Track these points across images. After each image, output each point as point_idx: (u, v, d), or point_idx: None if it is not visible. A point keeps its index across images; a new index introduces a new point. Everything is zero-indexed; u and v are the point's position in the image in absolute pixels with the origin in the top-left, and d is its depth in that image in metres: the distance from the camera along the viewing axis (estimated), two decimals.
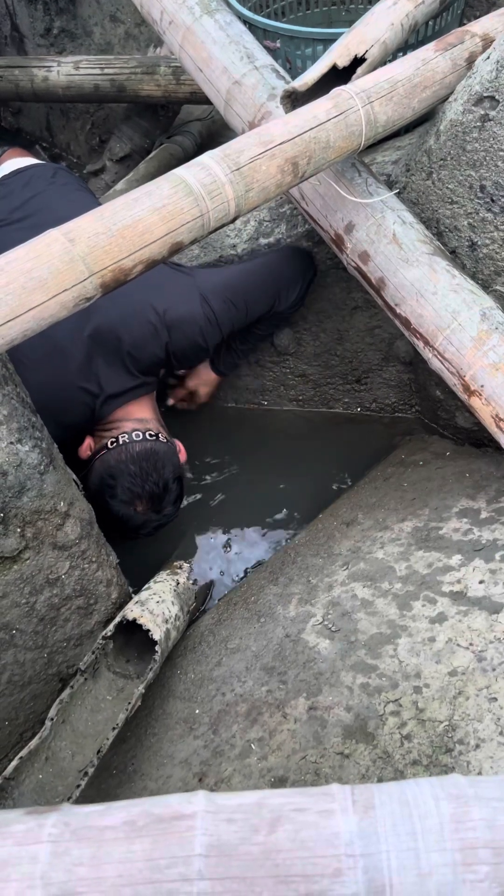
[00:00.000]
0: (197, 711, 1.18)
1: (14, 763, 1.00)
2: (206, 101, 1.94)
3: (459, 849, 0.58)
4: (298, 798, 0.63)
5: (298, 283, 1.58)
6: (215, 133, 2.37)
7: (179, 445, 1.53)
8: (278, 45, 1.62)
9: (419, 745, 0.97)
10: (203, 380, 1.74)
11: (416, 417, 1.78)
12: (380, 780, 0.96)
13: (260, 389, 1.84)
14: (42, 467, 1.11)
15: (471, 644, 1.06)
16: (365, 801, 0.62)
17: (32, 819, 0.63)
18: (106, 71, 2.14)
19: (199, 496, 1.70)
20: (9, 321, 0.91)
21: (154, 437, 1.45)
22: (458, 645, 1.07)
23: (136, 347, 1.44)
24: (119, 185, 2.15)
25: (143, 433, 1.45)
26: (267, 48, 1.57)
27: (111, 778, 1.15)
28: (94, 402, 1.44)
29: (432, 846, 0.58)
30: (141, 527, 1.45)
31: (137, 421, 1.48)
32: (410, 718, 1.01)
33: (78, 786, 1.00)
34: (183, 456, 1.52)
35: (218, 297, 1.50)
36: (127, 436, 1.44)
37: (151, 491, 1.42)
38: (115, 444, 1.44)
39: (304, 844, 0.59)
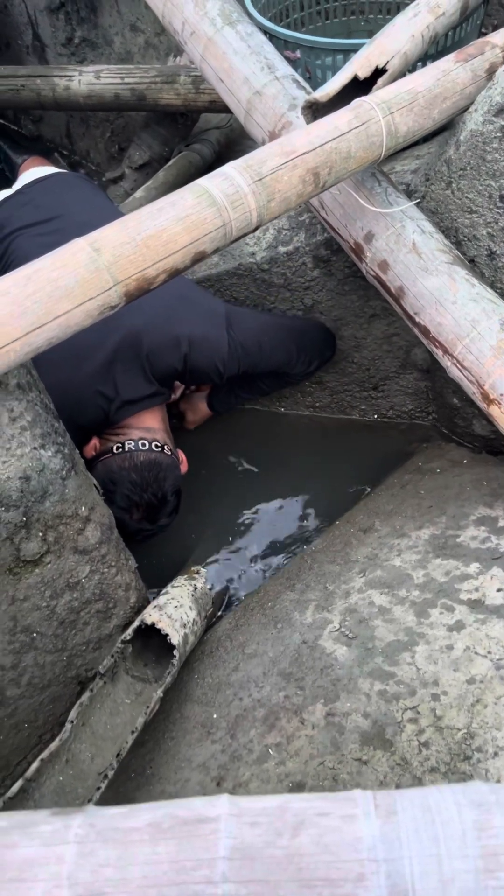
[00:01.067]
0: (215, 716, 1.19)
1: (35, 765, 1.01)
2: (225, 109, 1.96)
3: (482, 855, 0.59)
4: (321, 802, 0.63)
5: (315, 357, 1.65)
6: (233, 141, 2.39)
7: (182, 457, 1.54)
8: (298, 55, 1.64)
9: (437, 753, 0.97)
10: (195, 409, 1.78)
11: (432, 425, 1.78)
12: (398, 787, 0.96)
13: (277, 395, 1.85)
14: (64, 472, 1.12)
15: (489, 652, 1.07)
16: (387, 806, 0.63)
17: (59, 820, 0.64)
18: (126, 80, 2.16)
19: (215, 501, 1.71)
20: (35, 329, 0.92)
21: (159, 449, 1.47)
22: (476, 653, 1.08)
23: (155, 353, 1.45)
24: (138, 193, 2.17)
25: (150, 443, 1.46)
26: (287, 58, 1.59)
27: (129, 781, 1.16)
28: (109, 407, 1.45)
29: (455, 852, 0.59)
30: (133, 534, 1.46)
31: (145, 430, 1.49)
32: (428, 726, 1.01)
33: (98, 788, 1.01)
34: (184, 467, 1.54)
35: (245, 333, 1.53)
36: (133, 443, 1.45)
37: (149, 501, 1.43)
38: (120, 449, 1.45)
39: (327, 849, 0.59)
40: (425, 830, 0.60)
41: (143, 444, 1.45)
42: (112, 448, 1.46)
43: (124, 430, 1.49)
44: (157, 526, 1.48)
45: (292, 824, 0.61)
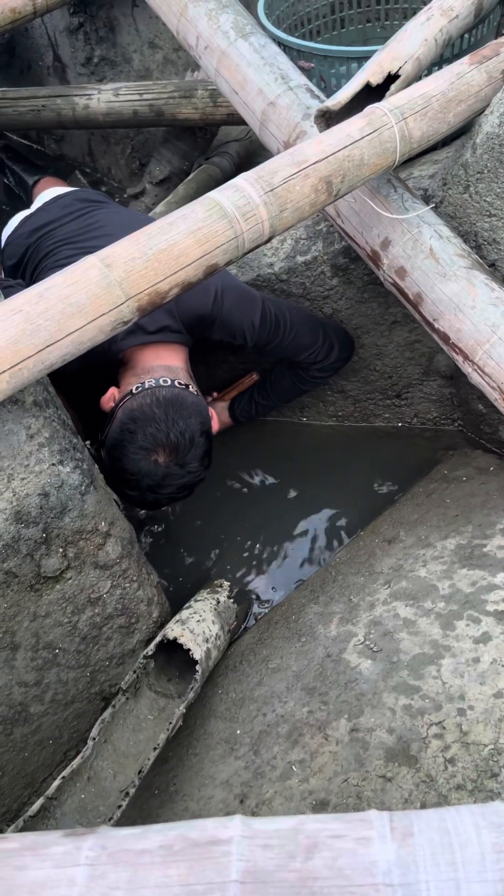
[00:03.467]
0: (238, 732, 1.17)
1: (56, 782, 1.01)
2: (244, 122, 1.97)
3: (501, 879, 0.56)
4: (336, 824, 0.62)
5: (336, 345, 1.61)
6: (253, 153, 2.39)
7: (212, 412, 1.43)
8: (313, 65, 1.63)
9: (463, 770, 0.95)
10: (216, 417, 1.72)
11: (458, 431, 1.75)
12: (423, 805, 0.94)
13: (299, 405, 1.84)
14: (83, 488, 1.13)
15: None
16: (404, 828, 0.61)
17: (70, 841, 0.63)
18: (144, 96, 2.18)
19: (238, 512, 1.70)
20: (48, 346, 0.93)
21: (183, 386, 1.35)
22: None
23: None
24: (159, 208, 2.19)
25: (172, 381, 1.35)
26: (301, 68, 1.58)
27: (153, 798, 1.15)
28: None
29: (473, 877, 0.57)
30: (161, 483, 1.32)
31: (166, 368, 1.38)
32: (454, 741, 0.99)
33: (119, 806, 1.00)
34: (215, 424, 1.43)
35: (278, 305, 1.51)
36: (154, 381, 1.34)
37: (176, 440, 1.29)
38: (140, 389, 1.34)
39: (341, 872, 0.58)
40: (443, 854, 0.58)
41: (165, 381, 1.34)
42: (131, 390, 1.34)
43: (145, 369, 1.38)
44: (186, 471, 1.32)
45: (305, 847, 0.60)
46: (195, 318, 1.43)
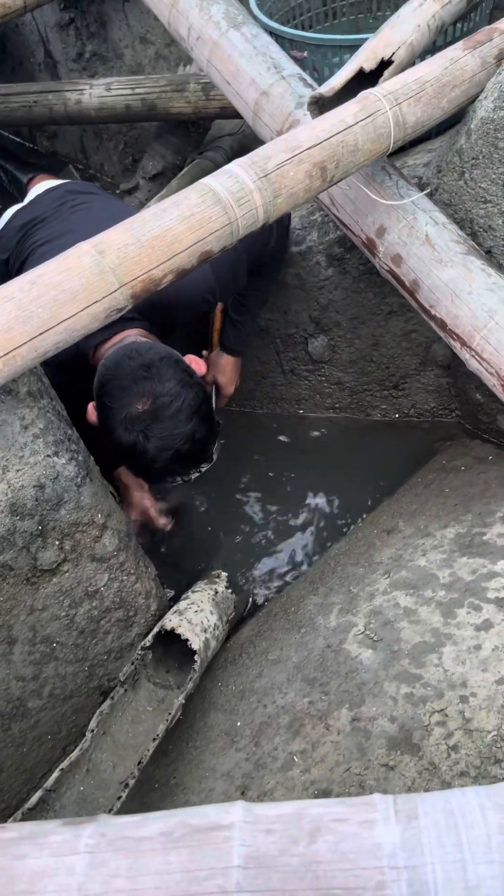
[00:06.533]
0: (238, 724, 1.16)
1: (55, 775, 0.99)
2: (237, 115, 1.95)
3: None
4: (339, 808, 0.61)
5: (272, 225, 1.38)
6: (246, 147, 2.38)
7: (202, 363, 1.35)
8: (305, 54, 1.62)
9: (467, 756, 0.94)
10: (221, 368, 1.66)
11: (456, 422, 1.74)
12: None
13: (296, 398, 1.83)
14: (79, 479, 1.11)
15: None
16: (408, 811, 0.60)
17: (69, 830, 0.62)
18: (136, 91, 2.17)
19: (236, 505, 1.69)
20: (41, 333, 0.92)
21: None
22: None
23: None
24: (151, 203, 2.18)
25: (146, 338, 1.31)
26: (294, 58, 1.57)
27: (153, 791, 1.14)
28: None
29: (479, 858, 0.56)
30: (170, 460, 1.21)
31: (140, 335, 1.33)
32: (457, 729, 0.98)
33: (119, 798, 0.99)
34: (201, 368, 1.34)
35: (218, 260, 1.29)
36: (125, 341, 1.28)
37: (158, 391, 1.20)
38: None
39: (345, 856, 0.57)
40: (448, 835, 0.57)
41: (141, 340, 1.28)
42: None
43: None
44: (192, 434, 1.22)
45: (308, 831, 0.59)
46: (147, 305, 1.30)
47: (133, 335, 1.33)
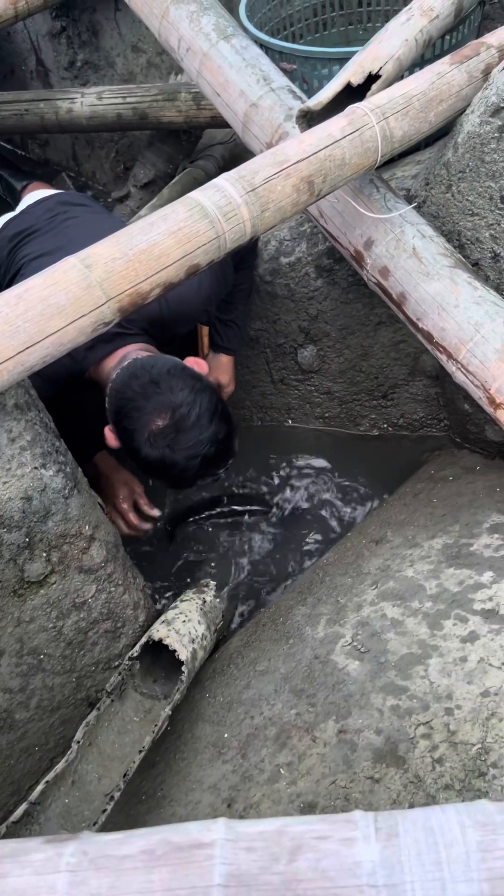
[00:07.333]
0: (226, 735, 1.16)
1: (39, 787, 0.99)
2: (227, 125, 1.97)
3: (487, 879, 0.56)
4: (320, 825, 0.61)
5: None
6: (237, 156, 2.39)
7: (204, 364, 1.36)
8: (295, 66, 1.63)
9: (451, 770, 0.94)
10: (218, 367, 1.67)
11: (444, 432, 1.75)
12: (411, 806, 0.93)
13: (285, 408, 1.84)
14: (66, 491, 1.12)
15: (503, 664, 1.04)
16: (388, 828, 0.60)
17: (51, 847, 0.62)
18: (128, 100, 2.17)
19: (225, 513, 1.70)
20: (28, 348, 0.92)
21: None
22: (491, 664, 1.04)
23: None
24: (143, 211, 2.18)
25: (147, 352, 1.32)
26: (284, 70, 1.58)
27: (140, 804, 1.14)
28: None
29: (459, 876, 0.56)
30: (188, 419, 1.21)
31: (135, 353, 1.33)
32: (442, 741, 0.98)
33: (104, 811, 0.99)
34: (203, 369, 1.35)
35: (209, 271, 1.32)
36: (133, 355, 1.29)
37: (174, 403, 1.21)
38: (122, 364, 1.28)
39: (325, 874, 0.57)
40: (428, 853, 0.58)
41: (143, 356, 1.30)
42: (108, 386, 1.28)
43: (115, 369, 1.31)
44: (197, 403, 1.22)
45: (289, 849, 0.59)
46: (147, 321, 1.39)
47: (133, 350, 1.34)
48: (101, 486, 1.54)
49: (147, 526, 1.54)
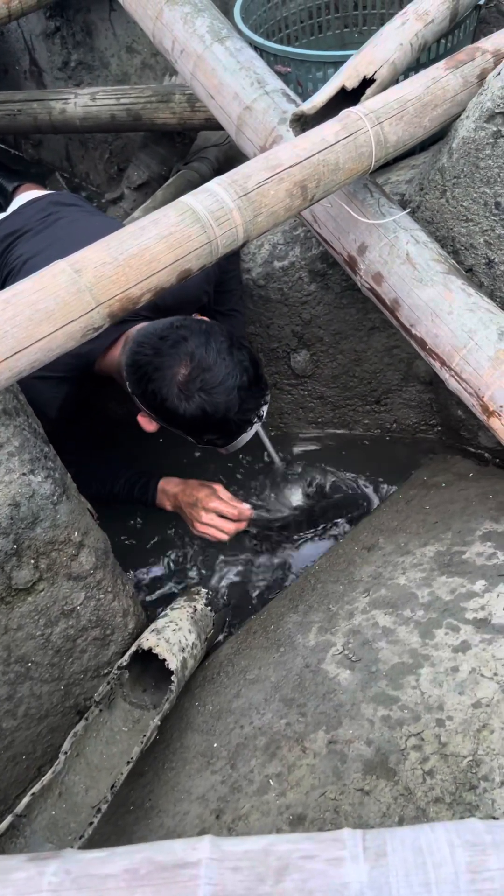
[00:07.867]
0: (215, 745, 1.15)
1: (26, 799, 0.98)
2: (221, 127, 1.96)
3: None
4: (307, 844, 0.60)
5: None
6: (232, 158, 2.38)
7: None
8: (290, 69, 1.62)
9: (442, 782, 0.93)
10: None
11: (437, 438, 1.75)
12: (401, 819, 0.92)
13: (278, 412, 1.83)
14: (55, 497, 1.10)
15: (495, 674, 1.03)
16: (377, 847, 0.59)
17: (33, 866, 0.61)
18: (122, 101, 2.16)
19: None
20: (16, 353, 0.90)
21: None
22: (482, 675, 1.04)
23: None
24: (136, 213, 2.17)
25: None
26: (278, 73, 1.57)
27: (128, 814, 1.13)
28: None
29: None
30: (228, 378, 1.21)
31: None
32: (433, 753, 0.97)
33: (90, 823, 0.98)
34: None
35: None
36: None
37: (200, 357, 1.21)
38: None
39: (311, 895, 0.56)
40: (416, 874, 0.57)
41: (138, 327, 1.30)
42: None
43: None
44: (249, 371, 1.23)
45: (276, 869, 0.58)
46: (148, 309, 1.35)
47: (134, 330, 1.33)
48: (182, 505, 1.46)
49: (247, 506, 1.43)
